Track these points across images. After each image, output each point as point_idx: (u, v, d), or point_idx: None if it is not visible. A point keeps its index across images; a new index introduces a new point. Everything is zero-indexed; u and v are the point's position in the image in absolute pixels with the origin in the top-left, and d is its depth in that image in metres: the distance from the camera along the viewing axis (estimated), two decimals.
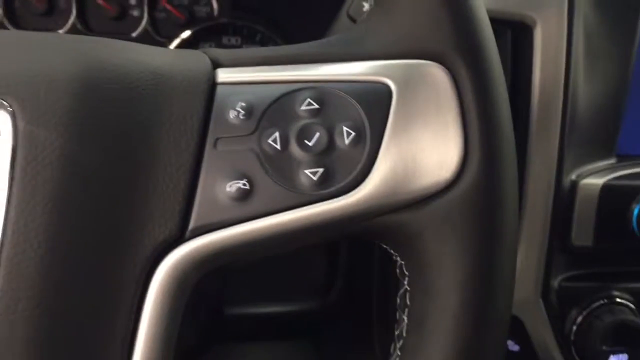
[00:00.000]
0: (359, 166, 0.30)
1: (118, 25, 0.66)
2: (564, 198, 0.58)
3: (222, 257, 0.29)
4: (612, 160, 0.61)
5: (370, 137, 0.30)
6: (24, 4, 0.65)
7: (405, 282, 0.32)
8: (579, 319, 0.59)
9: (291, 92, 0.31)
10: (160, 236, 0.28)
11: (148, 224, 0.28)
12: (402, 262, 0.32)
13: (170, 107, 0.29)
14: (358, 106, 0.31)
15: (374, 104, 0.31)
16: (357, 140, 0.30)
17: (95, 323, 0.27)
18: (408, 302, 0.32)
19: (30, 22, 0.65)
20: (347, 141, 0.30)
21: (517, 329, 0.59)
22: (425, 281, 0.31)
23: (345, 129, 0.31)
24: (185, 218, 0.29)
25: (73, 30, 0.65)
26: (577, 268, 0.61)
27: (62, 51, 0.30)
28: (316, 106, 0.31)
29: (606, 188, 0.58)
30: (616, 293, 0.61)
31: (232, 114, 0.30)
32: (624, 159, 0.62)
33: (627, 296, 0.61)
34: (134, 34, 0.66)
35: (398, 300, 0.32)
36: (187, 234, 0.28)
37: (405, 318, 0.32)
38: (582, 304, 0.60)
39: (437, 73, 0.31)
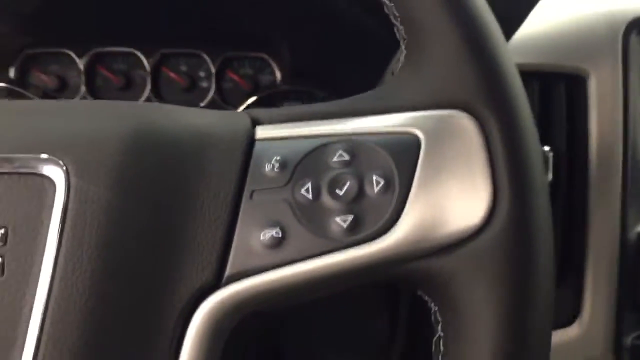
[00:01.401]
0: (388, 213, 0.31)
1: (188, 96, 0.71)
2: (631, 252, 0.56)
3: (256, 302, 0.30)
4: None
5: (399, 185, 0.31)
6: (104, 80, 0.71)
7: (439, 328, 0.32)
8: None
9: (324, 145, 0.33)
10: (198, 283, 0.30)
11: (186, 272, 0.30)
12: (436, 309, 0.32)
13: (210, 164, 0.32)
14: (388, 156, 0.32)
15: (403, 153, 0.32)
16: (386, 188, 0.31)
17: None
18: (442, 349, 0.32)
19: (110, 97, 0.71)
20: (376, 189, 0.31)
21: None
22: (458, 328, 0.31)
23: (375, 177, 0.32)
24: (221, 265, 0.30)
25: (147, 102, 0.70)
26: None
27: (115, 115, 0.33)
28: (347, 157, 0.32)
29: None
30: None
31: (267, 167, 0.32)
32: None
33: None
34: (202, 104, 0.70)
35: (433, 347, 0.32)
36: (223, 280, 0.30)
37: None
38: None
39: (465, 123, 0.32)
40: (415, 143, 0.32)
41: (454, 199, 0.31)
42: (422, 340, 0.60)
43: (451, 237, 0.31)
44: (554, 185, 0.57)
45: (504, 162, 0.32)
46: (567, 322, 0.57)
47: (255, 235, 0.31)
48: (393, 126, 0.33)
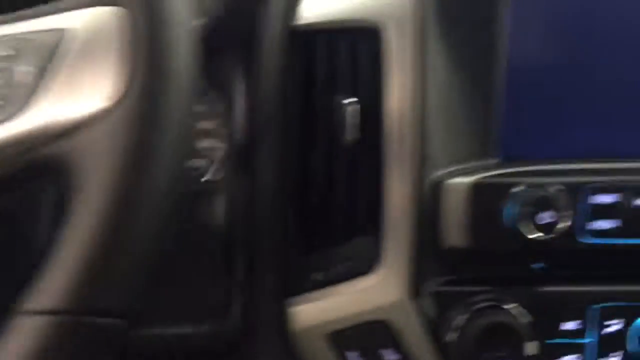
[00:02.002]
0: (25, 98, 0.35)
1: None
2: (428, 201, 0.58)
3: None
4: (493, 161, 0.61)
5: (41, 74, 0.35)
6: None
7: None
8: (455, 323, 0.57)
9: None
10: None
11: None
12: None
13: None
14: (43, 49, 0.36)
15: (53, 47, 0.36)
16: (33, 77, 0.35)
17: None
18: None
19: None
20: (24, 79, 0.35)
21: (393, 337, 0.58)
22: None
23: (25, 68, 0.35)
24: None
25: None
26: (452, 272, 0.59)
27: None
28: (13, 53, 0.36)
29: (475, 187, 0.58)
30: (493, 296, 0.58)
31: None
32: (509, 160, 0.61)
33: (506, 298, 0.58)
34: None
35: None
36: None
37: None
38: (458, 308, 0.58)
39: (112, 16, 0.36)
40: (63, 37, 0.36)
41: (89, 84, 0.35)
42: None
43: (81, 119, 0.34)
44: (363, 139, 0.59)
45: (140, 49, 0.35)
46: (367, 270, 0.59)
47: None
48: (50, 26, 0.37)
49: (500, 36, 0.60)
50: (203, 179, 0.67)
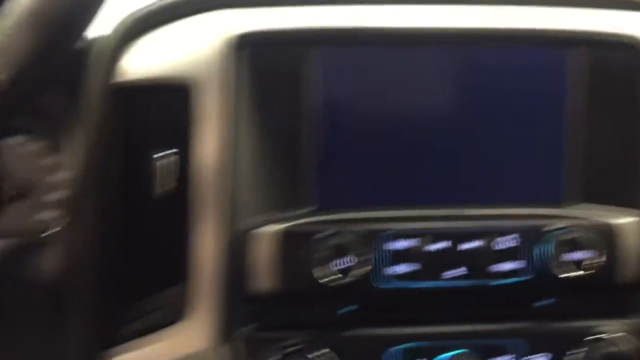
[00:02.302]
0: None
1: None
2: (240, 246, 0.60)
3: None
4: (305, 210, 0.64)
5: None
6: None
7: None
8: None
9: None
10: None
11: None
12: None
13: None
14: None
15: None
16: None
17: None
18: None
19: None
20: None
21: None
22: None
23: None
24: None
25: None
26: (264, 317, 0.61)
27: None
28: None
29: (281, 234, 0.60)
30: (304, 341, 0.60)
31: None
32: (321, 209, 0.64)
33: (317, 343, 0.60)
34: None
35: None
36: None
37: None
38: (268, 353, 0.59)
39: None
40: None
41: None
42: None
43: None
44: (175, 191, 0.61)
45: None
46: (177, 319, 0.60)
47: None
48: None
49: (311, 94, 0.64)
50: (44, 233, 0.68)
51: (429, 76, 0.67)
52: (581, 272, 0.62)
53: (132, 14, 0.64)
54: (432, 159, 0.67)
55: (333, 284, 0.59)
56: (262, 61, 0.64)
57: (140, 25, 0.64)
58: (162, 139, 0.63)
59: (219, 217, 0.61)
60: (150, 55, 0.63)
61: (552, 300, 0.65)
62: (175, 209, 0.62)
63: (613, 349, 0.64)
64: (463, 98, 0.67)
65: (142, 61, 0.63)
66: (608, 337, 0.64)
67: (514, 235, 0.62)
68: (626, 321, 0.66)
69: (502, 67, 0.67)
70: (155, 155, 0.62)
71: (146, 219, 0.63)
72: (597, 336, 0.64)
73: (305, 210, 0.64)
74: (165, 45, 0.64)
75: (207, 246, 0.60)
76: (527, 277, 0.63)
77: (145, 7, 0.65)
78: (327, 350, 0.61)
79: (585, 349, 0.64)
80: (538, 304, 0.65)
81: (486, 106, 0.67)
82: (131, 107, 0.63)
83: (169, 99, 0.63)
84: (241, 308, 0.61)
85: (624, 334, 0.65)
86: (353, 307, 0.63)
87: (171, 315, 0.60)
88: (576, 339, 0.64)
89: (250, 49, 0.63)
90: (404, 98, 0.67)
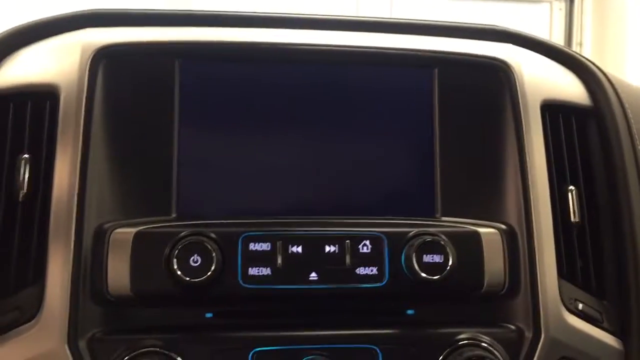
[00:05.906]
0: None
1: None
2: (96, 248, 0.61)
3: None
4: (168, 217, 0.65)
5: None
6: None
7: None
8: None
9: None
10: None
11: None
12: None
13: None
14: None
15: None
16: None
17: None
18: None
19: None
20: None
21: None
22: None
23: None
24: None
25: None
26: (120, 319, 0.62)
27: None
28: None
29: (137, 236, 0.61)
30: (161, 344, 0.61)
31: None
32: (183, 216, 0.65)
33: (176, 345, 0.61)
34: None
35: None
36: None
37: None
38: (118, 355, 0.60)
39: None
40: None
41: None
42: None
43: None
44: (34, 194, 0.62)
45: None
46: (30, 319, 0.60)
47: None
48: None
49: (169, 105, 0.66)
50: None
51: (293, 91, 0.69)
52: (437, 277, 0.63)
53: (6, 31, 0.68)
54: (296, 170, 0.68)
55: (191, 284, 0.60)
56: (123, 72, 0.66)
57: (13, 41, 0.67)
58: (19, 144, 0.64)
59: (73, 220, 0.61)
60: (20, 67, 0.66)
61: (411, 308, 0.66)
62: (32, 212, 0.63)
63: (476, 354, 0.64)
64: (331, 114, 0.69)
65: (12, 72, 0.66)
66: (470, 344, 0.64)
67: (369, 241, 0.63)
68: (492, 330, 0.66)
69: (369, 84, 0.70)
70: (20, 158, 0.63)
71: (5, 222, 0.63)
72: (459, 344, 0.64)
73: (163, 217, 0.65)
74: (33, 58, 0.67)
75: (59, 248, 0.61)
76: (384, 282, 0.63)
77: (17, 25, 0.69)
78: (175, 354, 0.61)
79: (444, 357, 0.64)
80: (398, 310, 0.66)
81: (352, 120, 0.69)
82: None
83: (31, 107, 0.65)
84: (95, 310, 0.62)
85: (489, 341, 0.65)
86: (209, 313, 0.64)
87: (25, 315, 0.61)
88: (437, 347, 0.64)
89: (108, 60, 0.65)
90: (266, 111, 0.69)
